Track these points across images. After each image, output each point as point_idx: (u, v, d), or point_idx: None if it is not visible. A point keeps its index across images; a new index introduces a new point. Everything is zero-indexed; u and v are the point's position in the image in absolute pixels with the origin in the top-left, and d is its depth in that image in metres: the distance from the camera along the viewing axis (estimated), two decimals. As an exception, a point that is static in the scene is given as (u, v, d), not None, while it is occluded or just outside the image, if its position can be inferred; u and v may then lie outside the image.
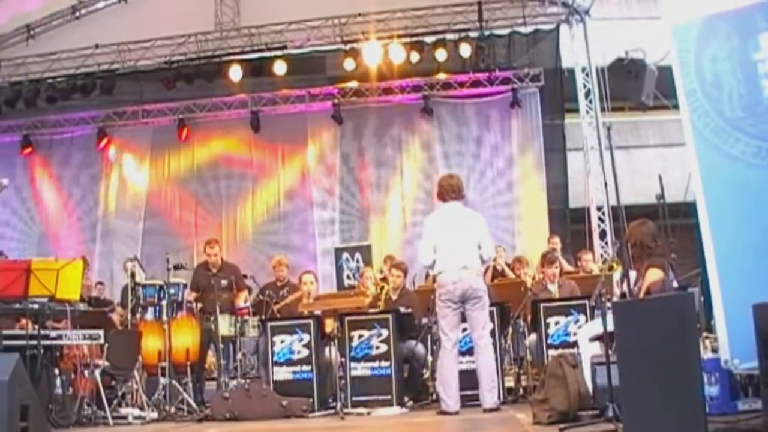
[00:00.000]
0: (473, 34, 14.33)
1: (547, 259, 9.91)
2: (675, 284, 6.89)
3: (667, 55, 5.60)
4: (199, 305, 10.11)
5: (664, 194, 7.52)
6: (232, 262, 10.95)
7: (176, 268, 9.91)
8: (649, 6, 16.74)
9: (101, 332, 8.57)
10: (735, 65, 5.15)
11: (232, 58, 14.94)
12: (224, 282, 9.97)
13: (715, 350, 6.18)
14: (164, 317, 9.51)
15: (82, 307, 9.44)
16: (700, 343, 5.52)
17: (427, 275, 11.43)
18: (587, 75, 14.56)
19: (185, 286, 9.98)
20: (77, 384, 8.58)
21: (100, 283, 13.42)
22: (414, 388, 9.45)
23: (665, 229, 7.36)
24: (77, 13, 15.21)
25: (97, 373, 8.57)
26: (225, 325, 9.68)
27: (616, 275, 8.24)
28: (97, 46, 14.91)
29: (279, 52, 14.88)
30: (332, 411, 8.60)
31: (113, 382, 9.20)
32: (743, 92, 5.12)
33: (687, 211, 7.08)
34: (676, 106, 5.79)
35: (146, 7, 14.79)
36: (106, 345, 8.65)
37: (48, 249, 15.55)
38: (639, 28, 14.95)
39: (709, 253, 5.13)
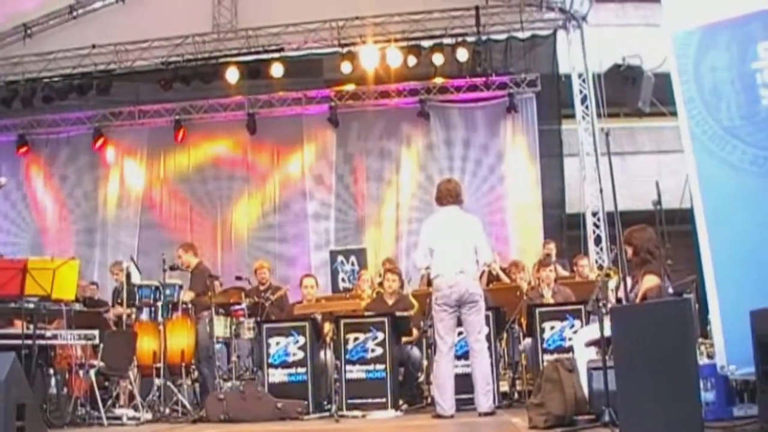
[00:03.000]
0: (470, 39, 14.30)
1: (542, 263, 9.96)
2: (670, 290, 6.91)
3: (665, 62, 5.64)
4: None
5: (661, 200, 7.52)
6: (204, 265, 10.63)
7: (172, 269, 9.94)
8: (645, 13, 16.80)
9: (96, 332, 8.55)
10: (734, 75, 5.19)
11: (229, 59, 14.90)
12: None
13: (710, 356, 6.22)
14: (159, 318, 9.53)
15: (78, 307, 9.42)
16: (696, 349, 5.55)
17: (422, 277, 11.44)
18: (584, 81, 14.55)
19: (180, 287, 9.96)
20: (72, 384, 8.56)
21: (93, 283, 13.36)
22: (409, 391, 9.49)
23: (662, 236, 7.37)
24: (74, 13, 15.17)
25: (91, 373, 8.56)
26: (220, 327, 9.70)
27: (612, 283, 8.27)
28: (94, 46, 14.86)
29: (276, 55, 14.86)
30: (327, 413, 8.59)
31: (107, 383, 9.21)
32: (741, 101, 5.17)
33: (682, 217, 7.12)
34: (672, 113, 5.83)
35: (143, 8, 14.78)
36: (101, 345, 8.65)
37: (42, 246, 15.53)
38: (636, 35, 15.02)
39: (707, 259, 5.16)
